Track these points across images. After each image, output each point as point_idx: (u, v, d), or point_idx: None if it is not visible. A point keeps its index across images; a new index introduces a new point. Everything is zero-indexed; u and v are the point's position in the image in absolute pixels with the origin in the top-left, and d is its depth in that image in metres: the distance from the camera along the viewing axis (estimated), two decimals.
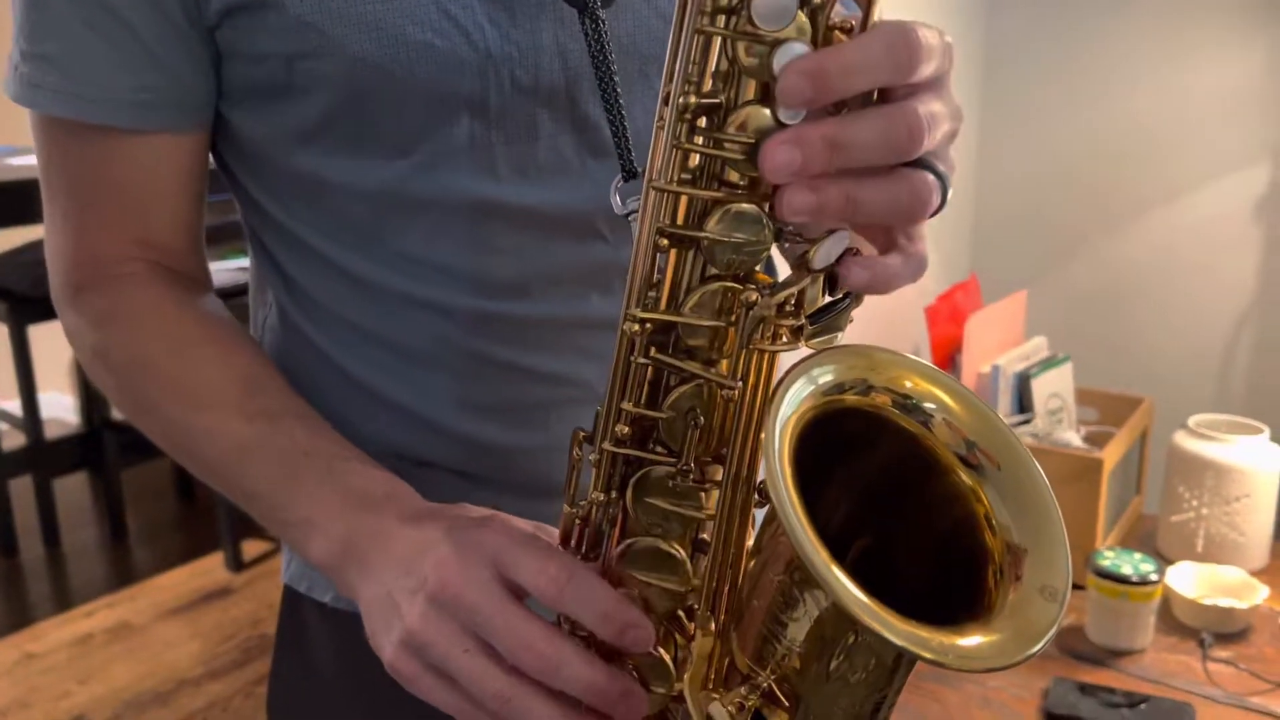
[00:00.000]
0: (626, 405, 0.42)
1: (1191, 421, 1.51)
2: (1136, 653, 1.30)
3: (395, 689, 0.45)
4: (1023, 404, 1.60)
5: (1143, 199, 2.12)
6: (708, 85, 0.38)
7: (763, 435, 0.36)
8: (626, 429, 0.42)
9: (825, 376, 0.39)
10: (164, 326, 0.56)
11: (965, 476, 0.39)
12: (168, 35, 0.52)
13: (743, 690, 0.39)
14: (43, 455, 2.56)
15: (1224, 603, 1.34)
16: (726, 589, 0.42)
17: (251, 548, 2.57)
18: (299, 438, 0.52)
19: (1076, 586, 1.36)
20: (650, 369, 0.42)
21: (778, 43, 0.36)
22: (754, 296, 0.39)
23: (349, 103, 0.52)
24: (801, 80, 0.36)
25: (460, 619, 0.43)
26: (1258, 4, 1.97)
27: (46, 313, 2.39)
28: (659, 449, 0.42)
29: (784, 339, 0.41)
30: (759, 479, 0.41)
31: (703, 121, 0.39)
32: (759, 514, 0.43)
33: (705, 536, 0.43)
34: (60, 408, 3.20)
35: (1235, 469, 1.45)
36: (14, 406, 2.64)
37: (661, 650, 0.44)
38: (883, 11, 0.38)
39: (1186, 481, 1.48)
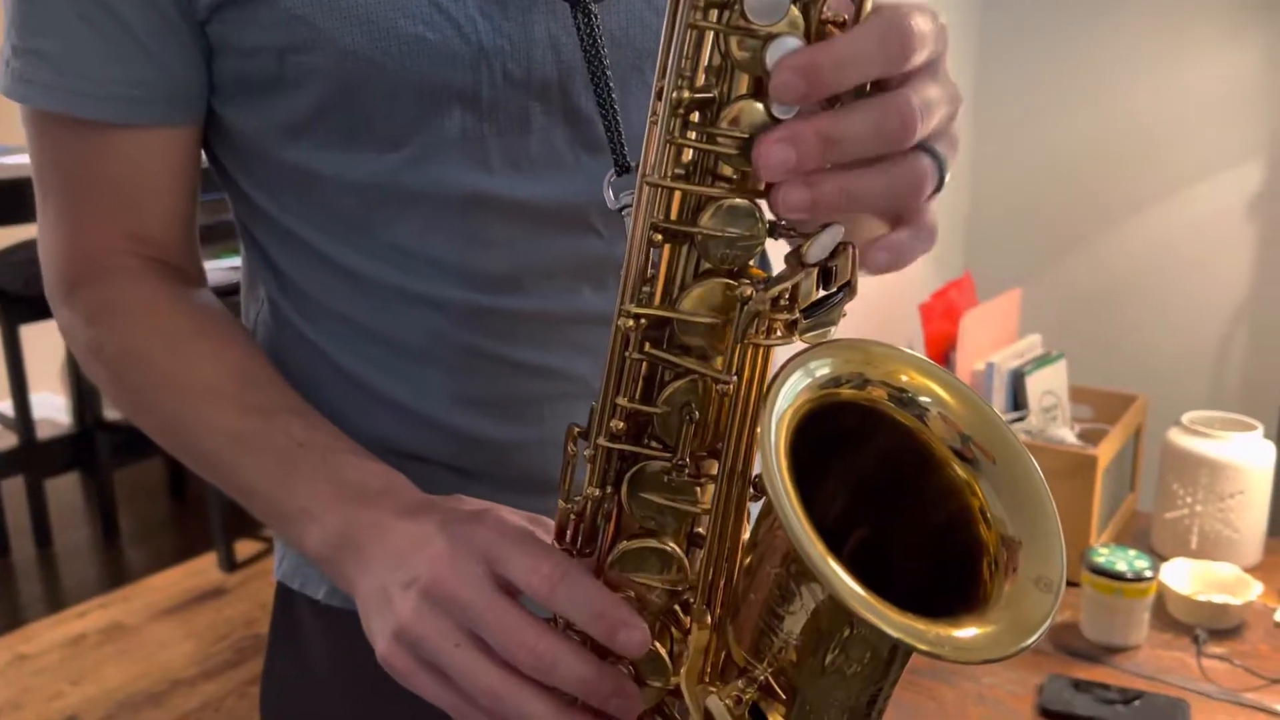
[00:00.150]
0: (621, 400, 0.42)
1: (1185, 418, 1.52)
2: (1131, 649, 1.30)
3: (389, 685, 0.45)
4: (1017, 401, 1.60)
5: (1137, 196, 2.13)
6: (701, 80, 0.38)
7: (759, 429, 0.36)
8: (621, 424, 0.42)
9: (822, 370, 0.39)
10: (158, 321, 0.56)
11: (960, 470, 0.39)
12: (160, 29, 0.52)
13: (740, 683, 0.39)
14: (34, 455, 2.55)
15: (1218, 599, 1.34)
16: (722, 583, 0.42)
17: (245, 548, 2.56)
18: (294, 431, 0.52)
19: (1071, 583, 1.36)
20: (645, 364, 0.41)
21: (771, 37, 0.36)
22: (748, 291, 0.39)
23: (340, 96, 0.52)
24: (794, 77, 0.35)
25: (453, 614, 0.43)
26: (1252, 1, 1.97)
27: (39, 312, 2.39)
28: (654, 444, 0.42)
29: (778, 333, 0.41)
30: (754, 473, 0.41)
31: (696, 116, 0.39)
32: (754, 508, 0.43)
33: (700, 531, 0.43)
34: (52, 408, 3.19)
35: (1229, 466, 1.45)
36: (6, 407, 2.64)
37: (658, 645, 0.44)
38: None
39: (1181, 478, 1.48)
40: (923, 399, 0.40)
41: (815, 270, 0.40)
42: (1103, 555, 1.32)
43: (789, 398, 0.37)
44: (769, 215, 0.39)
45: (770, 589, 0.38)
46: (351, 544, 0.48)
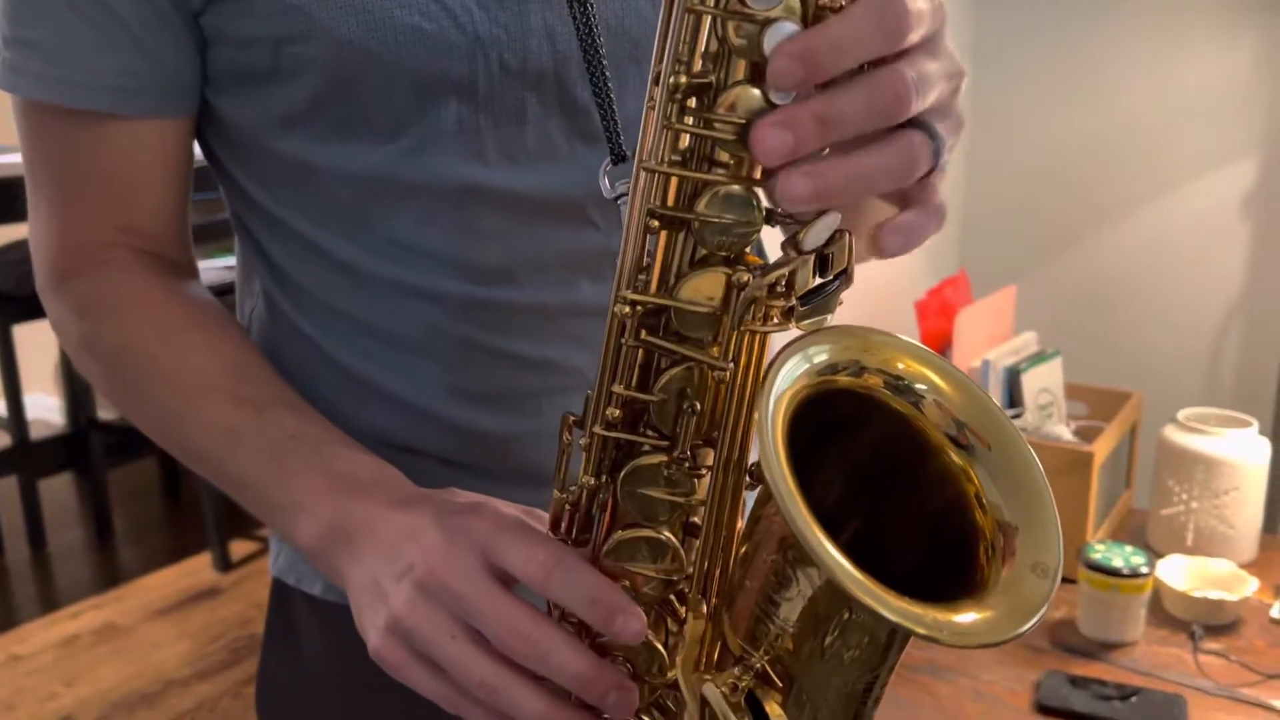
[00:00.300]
0: (617, 388, 0.41)
1: (1181, 415, 1.52)
2: (1128, 645, 1.30)
3: (385, 680, 0.45)
4: (1013, 399, 1.61)
5: (1132, 194, 2.13)
6: (698, 65, 0.38)
7: (755, 414, 0.36)
8: (617, 412, 0.41)
9: (820, 356, 0.39)
10: (151, 313, 0.56)
11: (956, 456, 0.39)
12: (152, 20, 0.51)
13: (736, 670, 0.38)
14: (28, 456, 2.54)
15: (1214, 595, 1.34)
16: (718, 572, 0.42)
17: (239, 548, 2.56)
18: (287, 423, 0.52)
19: (1068, 580, 1.36)
20: (641, 352, 0.41)
21: (768, 22, 0.36)
22: (745, 278, 0.39)
23: (336, 87, 0.51)
24: (792, 63, 0.35)
25: (447, 606, 0.43)
26: (1246, 0, 1.98)
27: (32, 312, 2.39)
28: (650, 433, 0.42)
29: (775, 320, 0.40)
30: (751, 462, 0.41)
31: (693, 102, 0.38)
32: (750, 498, 0.42)
33: (696, 520, 0.43)
34: (45, 408, 3.18)
35: (1224, 462, 1.45)
36: None
37: (654, 638, 0.44)
38: None
39: (1176, 475, 1.49)
40: (918, 386, 0.40)
41: (812, 257, 0.40)
42: (1099, 552, 1.32)
43: (788, 379, 0.37)
44: (765, 202, 0.39)
45: (767, 576, 0.38)
46: (343, 536, 0.47)
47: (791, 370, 0.37)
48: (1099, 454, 1.44)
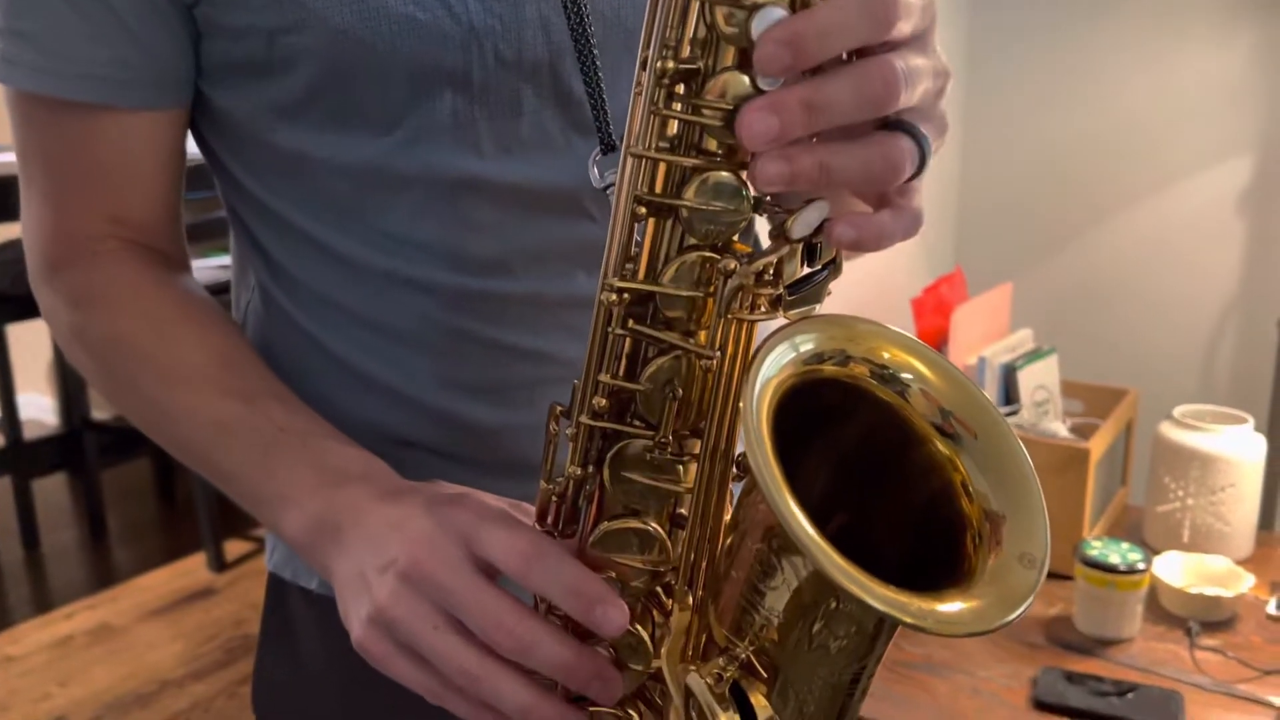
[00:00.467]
0: (604, 377, 0.41)
1: (1176, 412, 1.52)
2: (1124, 642, 1.30)
3: (382, 676, 0.45)
4: (1009, 396, 1.60)
5: (1128, 191, 2.13)
6: (686, 51, 0.38)
7: (741, 404, 0.36)
8: (604, 401, 0.41)
9: (806, 345, 0.38)
10: (142, 305, 0.56)
11: (942, 446, 0.39)
12: (146, 11, 0.51)
13: (720, 661, 0.38)
14: (21, 456, 2.54)
15: (1210, 591, 1.34)
16: (704, 564, 0.42)
17: (234, 548, 2.55)
18: (275, 416, 0.52)
19: (1064, 576, 1.36)
20: (628, 341, 0.41)
21: (755, 7, 0.36)
22: (732, 265, 0.38)
23: (331, 78, 0.51)
24: (779, 49, 0.35)
25: (431, 597, 0.42)
26: None
27: (25, 311, 2.38)
28: (637, 422, 0.42)
29: (762, 308, 0.40)
30: (737, 451, 0.41)
31: (681, 88, 0.38)
32: (736, 489, 0.42)
33: (683, 511, 0.42)
34: (39, 408, 3.17)
35: (1220, 459, 1.45)
36: None
37: (639, 628, 0.43)
38: None
39: (1172, 472, 1.48)
40: (904, 375, 0.39)
41: (799, 246, 0.40)
42: (1095, 548, 1.32)
43: (774, 367, 0.36)
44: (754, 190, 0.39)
45: (752, 565, 0.38)
46: (330, 528, 0.47)
47: (778, 358, 0.37)
48: (1095, 451, 1.44)
